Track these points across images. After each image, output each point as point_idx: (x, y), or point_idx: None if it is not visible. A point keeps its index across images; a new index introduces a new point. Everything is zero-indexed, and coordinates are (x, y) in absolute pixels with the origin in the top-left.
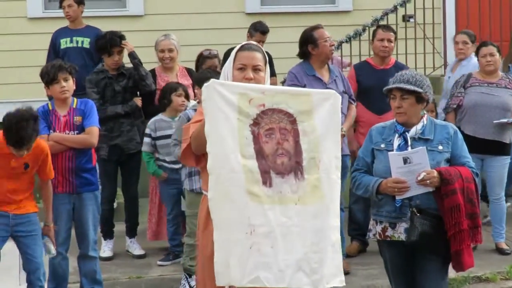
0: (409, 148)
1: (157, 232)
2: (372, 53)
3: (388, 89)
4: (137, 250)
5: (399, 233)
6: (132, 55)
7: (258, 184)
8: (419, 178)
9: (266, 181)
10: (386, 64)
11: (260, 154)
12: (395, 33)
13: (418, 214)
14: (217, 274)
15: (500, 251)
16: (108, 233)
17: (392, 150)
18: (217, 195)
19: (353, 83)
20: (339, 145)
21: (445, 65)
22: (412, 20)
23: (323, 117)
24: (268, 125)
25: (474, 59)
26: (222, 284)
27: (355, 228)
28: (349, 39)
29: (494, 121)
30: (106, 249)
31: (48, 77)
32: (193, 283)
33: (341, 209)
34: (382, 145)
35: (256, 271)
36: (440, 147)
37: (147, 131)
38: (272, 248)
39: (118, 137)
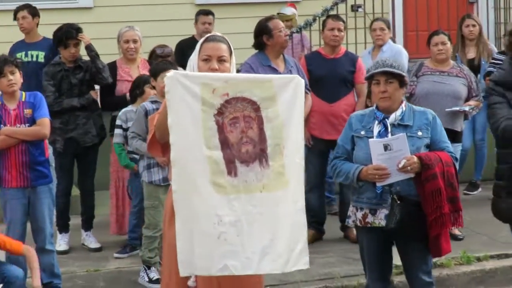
0: (389, 134)
1: (122, 225)
2: (322, 43)
3: (371, 75)
4: (93, 243)
5: (379, 219)
6: (89, 48)
7: (223, 175)
8: (400, 166)
9: (231, 171)
10: (336, 54)
11: (225, 144)
12: (345, 22)
13: (399, 201)
14: (181, 264)
15: (453, 236)
16: (64, 227)
17: (372, 137)
18: (181, 187)
19: (304, 72)
20: (302, 127)
21: None
22: (361, 10)
23: (286, 101)
24: (232, 114)
25: (392, 44)
26: (185, 274)
27: (311, 215)
28: (299, 29)
29: (446, 109)
30: (62, 242)
31: None
32: (152, 274)
33: None
34: (362, 132)
35: (224, 260)
36: (420, 133)
37: (118, 122)
38: (239, 237)
39: (74, 130)
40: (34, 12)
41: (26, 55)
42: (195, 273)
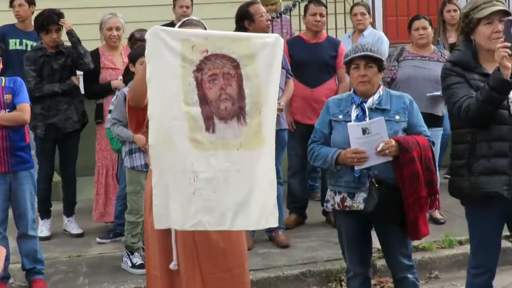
0: (367, 118)
1: (105, 213)
2: (302, 28)
3: (350, 59)
4: (75, 229)
5: (358, 203)
6: (71, 33)
7: (201, 131)
8: (378, 149)
9: (209, 127)
10: (318, 39)
11: (203, 100)
12: (326, 7)
13: (377, 185)
14: (156, 217)
15: (434, 220)
16: (45, 213)
17: (350, 121)
18: (159, 142)
19: (286, 58)
20: (277, 88)
21: None
22: None
23: (265, 61)
24: (211, 70)
25: (374, 30)
26: (160, 227)
27: (293, 201)
28: (279, 15)
29: (427, 94)
30: (43, 228)
31: None
32: (135, 260)
33: (280, 183)
34: (340, 116)
35: (198, 216)
36: (397, 117)
37: (110, 107)
38: (214, 193)
39: (55, 116)
40: (30, 0)
41: (21, 43)
42: (170, 226)
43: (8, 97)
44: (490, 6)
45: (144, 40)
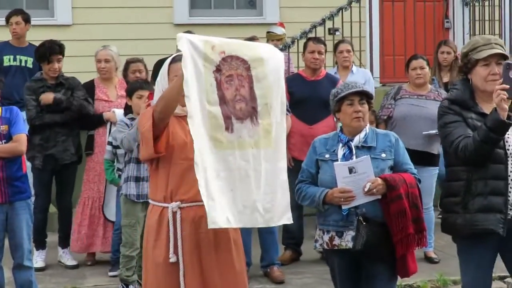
0: (354, 156)
1: (88, 244)
2: (301, 65)
3: (344, 96)
4: (69, 260)
5: (346, 241)
6: (60, 101)
7: (221, 130)
8: (365, 190)
9: (228, 126)
10: (317, 76)
11: (222, 100)
12: (325, 45)
13: (364, 223)
14: (210, 218)
15: (429, 259)
16: (40, 243)
17: (337, 160)
18: (202, 141)
19: (286, 95)
20: (284, 92)
21: None
22: (338, 33)
23: (273, 65)
24: (228, 71)
25: (360, 68)
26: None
27: (288, 237)
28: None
29: (423, 133)
30: (38, 259)
31: None
32: None
33: None
34: (327, 156)
35: (225, 213)
36: (383, 155)
37: (109, 139)
38: (232, 191)
39: (53, 147)
40: (27, 19)
41: (15, 60)
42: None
43: (4, 128)
44: (488, 49)
45: (135, 61)
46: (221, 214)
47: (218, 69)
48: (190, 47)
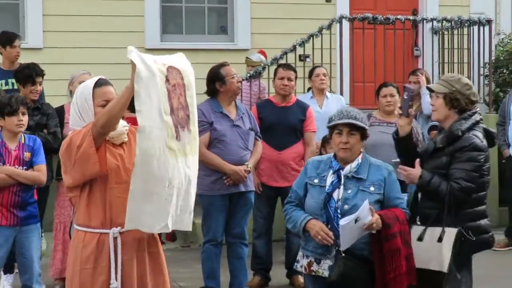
0: (342, 186)
1: (63, 269)
2: (272, 90)
3: (334, 124)
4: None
5: (323, 269)
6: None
7: (174, 139)
8: (365, 227)
9: (178, 135)
10: (287, 102)
11: (171, 109)
12: (296, 72)
13: (343, 254)
14: (129, 220)
15: None
16: (9, 268)
17: (325, 187)
18: (144, 152)
19: (256, 120)
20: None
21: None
22: (308, 59)
23: (192, 74)
24: (172, 81)
25: (332, 93)
26: (130, 228)
27: (258, 262)
28: (248, 78)
29: (392, 160)
30: (5, 283)
31: (11, 108)
32: None
33: (245, 244)
34: (316, 180)
35: (166, 219)
36: (372, 188)
37: None
38: (177, 197)
39: None
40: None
41: (7, 84)
42: (139, 228)
43: (27, 155)
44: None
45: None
46: (151, 219)
47: (167, 79)
48: (141, 59)
